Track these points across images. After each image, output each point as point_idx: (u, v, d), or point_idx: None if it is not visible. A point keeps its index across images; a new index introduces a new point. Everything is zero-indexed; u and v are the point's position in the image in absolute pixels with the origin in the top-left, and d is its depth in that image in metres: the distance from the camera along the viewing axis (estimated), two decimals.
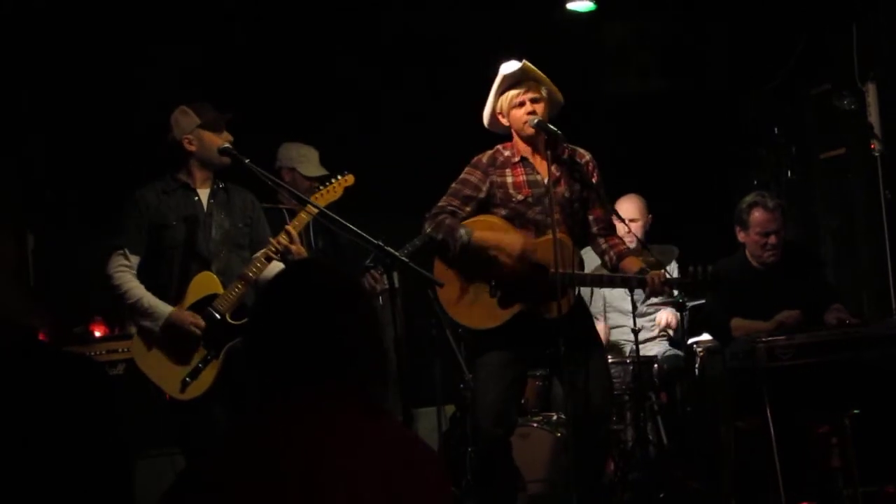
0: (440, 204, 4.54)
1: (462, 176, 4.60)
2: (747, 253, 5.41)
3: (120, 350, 5.15)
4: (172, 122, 4.45)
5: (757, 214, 5.28)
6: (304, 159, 5.74)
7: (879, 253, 6.29)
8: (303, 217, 4.45)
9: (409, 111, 6.83)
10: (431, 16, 6.51)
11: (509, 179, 4.55)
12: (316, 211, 4.33)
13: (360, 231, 4.05)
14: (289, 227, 4.39)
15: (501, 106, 4.58)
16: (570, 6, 6.65)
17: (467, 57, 6.16)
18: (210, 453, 1.89)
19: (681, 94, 7.15)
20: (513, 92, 4.55)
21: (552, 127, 4.44)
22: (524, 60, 4.53)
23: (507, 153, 4.60)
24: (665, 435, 5.77)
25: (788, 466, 4.68)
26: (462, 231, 4.44)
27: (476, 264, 4.47)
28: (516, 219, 4.52)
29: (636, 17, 7.03)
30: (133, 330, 4.47)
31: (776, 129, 7.14)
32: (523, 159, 4.58)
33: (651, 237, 6.23)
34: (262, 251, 4.40)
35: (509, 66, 4.56)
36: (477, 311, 4.51)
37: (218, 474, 1.81)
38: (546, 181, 4.53)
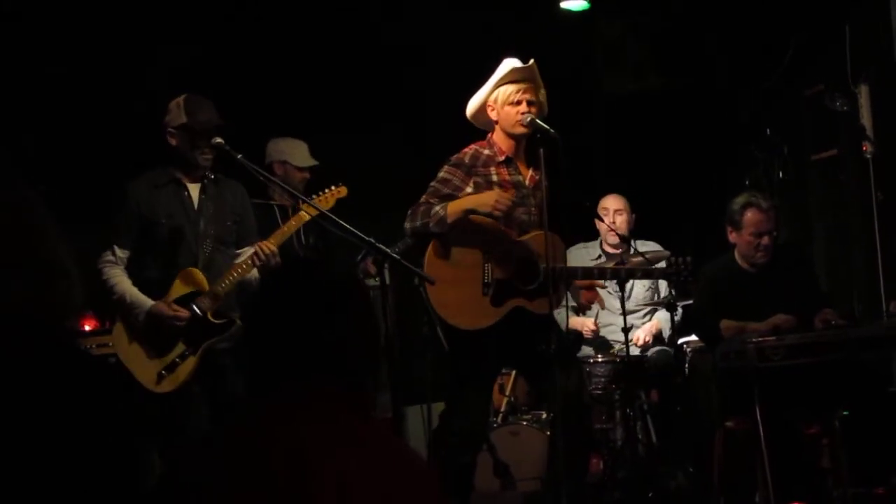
0: (419, 202, 4.47)
1: (442, 175, 4.52)
2: (736, 254, 5.40)
3: (110, 344, 5.13)
4: (168, 108, 4.46)
5: (750, 215, 5.26)
6: (295, 151, 5.76)
7: (870, 254, 6.30)
8: (297, 220, 4.49)
9: (403, 110, 6.82)
10: (426, 14, 6.51)
11: (494, 178, 4.51)
12: (315, 212, 4.36)
13: (352, 229, 4.06)
14: (269, 243, 4.42)
15: (496, 98, 4.52)
16: (563, 5, 6.65)
17: (461, 56, 6.16)
18: (198, 452, 1.88)
19: (673, 94, 7.15)
20: (512, 87, 4.49)
21: (546, 126, 4.42)
22: (532, 60, 4.50)
23: (486, 152, 4.55)
24: (654, 434, 5.77)
25: (778, 467, 4.69)
26: (436, 208, 4.38)
27: (463, 246, 4.41)
28: (502, 218, 4.48)
29: (629, 16, 7.04)
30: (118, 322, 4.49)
31: (769, 130, 7.14)
32: (507, 159, 4.55)
33: (640, 235, 6.23)
34: (249, 254, 4.42)
35: (515, 61, 4.52)
36: (470, 310, 4.45)
37: (206, 474, 1.80)
38: (527, 183, 4.54)
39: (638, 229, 6.23)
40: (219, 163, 4.50)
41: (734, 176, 7.36)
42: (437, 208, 4.37)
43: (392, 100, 6.82)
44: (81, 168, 5.90)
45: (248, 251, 4.53)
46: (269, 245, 4.41)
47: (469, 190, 4.49)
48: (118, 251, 4.41)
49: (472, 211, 4.39)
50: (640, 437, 5.57)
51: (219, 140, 4.37)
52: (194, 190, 4.50)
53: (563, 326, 5.94)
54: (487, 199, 4.38)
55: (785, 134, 7.10)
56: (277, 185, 4.82)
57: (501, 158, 4.54)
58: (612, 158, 7.46)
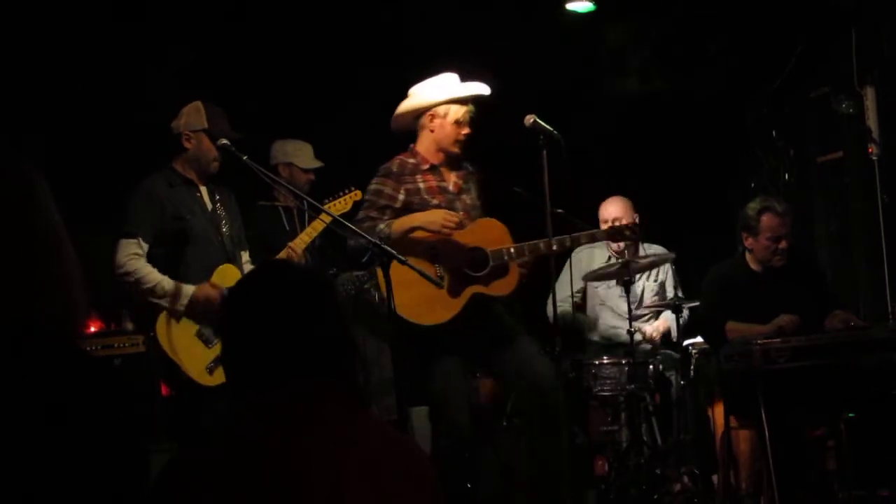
0: (359, 217, 4.55)
1: (374, 187, 4.61)
2: (748, 256, 5.39)
3: (116, 345, 5.13)
4: (183, 111, 4.51)
5: (767, 220, 5.24)
6: (300, 153, 5.79)
7: (876, 257, 6.30)
8: (317, 225, 4.55)
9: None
10: (430, 14, 6.51)
11: (422, 185, 4.63)
12: (329, 220, 4.42)
13: (358, 230, 4.08)
14: (295, 244, 4.56)
15: (446, 113, 4.64)
16: (569, 6, 6.64)
17: (467, 56, 6.15)
18: (197, 452, 1.90)
19: (679, 97, 7.15)
20: (463, 108, 4.64)
21: (549, 127, 4.47)
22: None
23: (411, 161, 4.68)
24: (659, 435, 5.77)
25: (783, 469, 4.68)
26: (381, 226, 4.46)
27: (409, 247, 4.46)
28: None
29: (635, 18, 7.04)
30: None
31: (774, 133, 7.13)
32: (433, 167, 4.67)
33: (645, 240, 6.22)
34: (282, 254, 4.53)
35: (454, 77, 4.70)
36: (430, 306, 4.49)
37: (204, 474, 1.81)
38: (452, 189, 4.68)
39: (642, 232, 6.21)
40: (225, 164, 4.53)
41: (739, 179, 7.36)
42: (382, 226, 4.47)
43: (395, 101, 6.81)
44: (86, 168, 5.91)
45: (245, 255, 4.68)
46: (300, 246, 4.54)
47: (402, 197, 4.60)
48: (143, 244, 4.38)
49: (418, 228, 4.47)
50: (644, 438, 5.57)
51: (225, 142, 4.39)
52: (204, 192, 4.58)
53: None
54: (435, 219, 4.49)
55: (790, 136, 7.09)
56: (283, 188, 4.86)
57: (427, 167, 4.66)
58: (615, 161, 7.45)
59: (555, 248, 4.61)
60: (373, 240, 3.94)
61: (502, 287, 4.58)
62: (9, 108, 5.62)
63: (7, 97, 5.63)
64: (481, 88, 4.67)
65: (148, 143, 4.63)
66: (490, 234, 4.56)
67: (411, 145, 4.74)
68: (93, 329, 5.44)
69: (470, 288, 4.55)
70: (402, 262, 4.01)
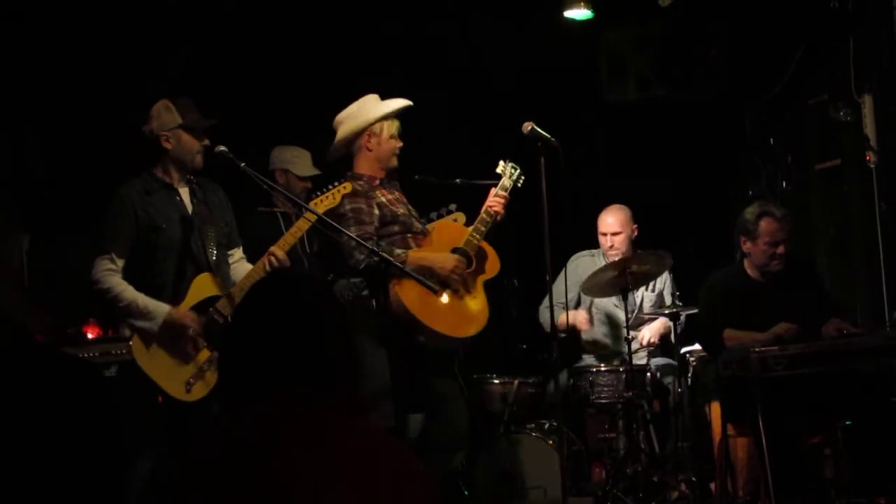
0: (358, 234, 4.53)
1: (349, 207, 4.62)
2: (746, 263, 5.39)
3: (113, 352, 5.11)
4: (153, 113, 4.40)
5: (765, 224, 5.25)
6: (298, 160, 5.79)
7: (873, 264, 6.29)
8: (302, 224, 4.45)
9: (404, 119, 6.81)
10: (428, 21, 6.52)
11: (383, 199, 4.73)
12: (315, 218, 4.34)
13: (353, 236, 4.07)
14: (276, 248, 4.40)
15: (381, 129, 4.74)
16: (567, 14, 6.64)
17: (465, 63, 6.17)
18: (186, 461, 1.91)
19: (678, 104, 7.15)
20: (396, 122, 4.77)
21: (547, 134, 4.50)
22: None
23: (362, 181, 4.74)
24: (657, 443, 5.76)
25: (780, 476, 4.68)
26: (398, 251, 4.55)
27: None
28: (408, 232, 4.72)
29: (633, 25, 7.05)
30: (128, 332, 4.45)
31: (772, 140, 7.14)
32: (382, 181, 4.78)
33: (643, 247, 6.22)
34: (262, 260, 4.37)
35: (375, 98, 4.81)
36: (464, 318, 4.68)
37: (194, 482, 1.82)
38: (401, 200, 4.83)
39: (641, 240, 6.22)
40: (222, 169, 4.49)
41: (738, 186, 7.36)
42: (399, 251, 4.55)
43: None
44: (79, 171, 5.90)
45: (238, 252, 4.60)
46: (280, 252, 4.35)
47: (376, 213, 4.65)
48: (117, 259, 4.29)
49: (429, 267, 4.55)
50: (642, 446, 5.56)
51: (222, 148, 4.35)
52: (185, 194, 4.45)
53: (546, 327, 5.94)
54: (445, 264, 4.62)
55: (789, 144, 7.10)
56: (280, 194, 4.83)
57: (377, 182, 4.77)
58: (614, 168, 7.46)
59: (495, 209, 4.80)
60: (370, 246, 3.95)
61: (493, 265, 4.84)
62: (9, 108, 5.62)
63: (7, 98, 5.63)
64: (405, 101, 4.81)
65: (147, 146, 4.58)
66: (451, 235, 4.78)
67: (348, 172, 4.79)
68: (90, 336, 5.43)
69: (478, 280, 4.77)
70: (400, 269, 4.02)
